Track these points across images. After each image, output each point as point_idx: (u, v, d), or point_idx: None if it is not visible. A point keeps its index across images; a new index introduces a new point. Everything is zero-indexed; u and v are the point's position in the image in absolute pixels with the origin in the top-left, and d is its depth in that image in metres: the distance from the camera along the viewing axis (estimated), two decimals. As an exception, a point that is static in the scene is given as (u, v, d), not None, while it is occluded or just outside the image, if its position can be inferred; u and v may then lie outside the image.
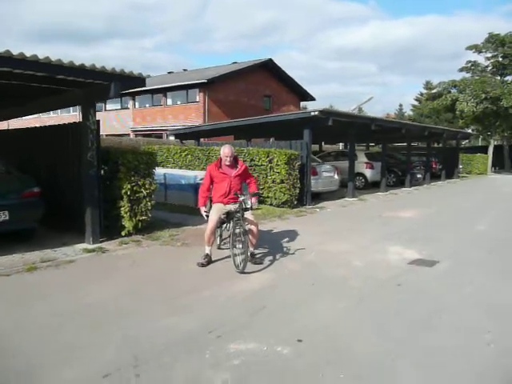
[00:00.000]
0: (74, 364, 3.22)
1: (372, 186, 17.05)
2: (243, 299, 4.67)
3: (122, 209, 7.25)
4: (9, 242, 6.51)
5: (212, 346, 3.49)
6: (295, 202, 11.29)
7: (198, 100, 25.46)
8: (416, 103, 71.72)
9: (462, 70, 33.02)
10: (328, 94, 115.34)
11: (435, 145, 28.08)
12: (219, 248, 6.83)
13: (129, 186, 7.19)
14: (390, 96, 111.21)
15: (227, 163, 6.11)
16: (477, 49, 31.98)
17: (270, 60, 28.46)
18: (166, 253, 6.72)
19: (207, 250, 6.02)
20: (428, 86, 70.27)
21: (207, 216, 6.12)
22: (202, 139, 16.00)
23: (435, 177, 22.19)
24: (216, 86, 25.06)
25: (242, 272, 5.56)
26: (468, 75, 32.39)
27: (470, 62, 32.33)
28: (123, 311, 4.31)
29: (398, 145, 24.91)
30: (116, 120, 29.14)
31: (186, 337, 3.69)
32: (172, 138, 25.21)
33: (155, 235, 7.64)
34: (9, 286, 5.02)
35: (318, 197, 13.06)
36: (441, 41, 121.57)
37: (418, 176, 19.56)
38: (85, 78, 6.03)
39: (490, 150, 31.55)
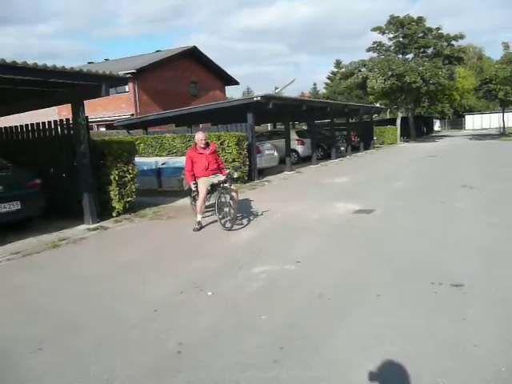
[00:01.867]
0: (151, 290, 4.56)
1: (303, 161, 19.05)
2: (243, 246, 6.19)
3: (112, 192, 8.33)
4: (13, 230, 7.34)
5: (240, 272, 4.98)
6: (246, 178, 12.85)
7: (127, 90, 25.76)
8: (328, 81, 76.24)
9: (369, 50, 36.26)
10: (241, 75, 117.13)
11: (352, 120, 31.00)
12: (194, 210, 8.16)
13: (116, 172, 8.29)
14: (302, 75, 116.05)
15: (202, 145, 7.55)
16: (381, 30, 35.34)
17: (195, 47, 29.37)
18: (159, 225, 7.99)
19: (199, 217, 7.38)
20: (339, 65, 74.99)
21: (196, 187, 7.48)
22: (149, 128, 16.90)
23: (355, 148, 24.89)
24: (145, 76, 25.54)
25: (230, 230, 7.04)
26: (375, 55, 35.75)
27: (375, 42, 35.62)
28: (155, 263, 5.64)
29: (320, 122, 27.32)
30: (44, 114, 28.35)
31: (216, 271, 5.11)
32: (103, 129, 25.49)
33: (141, 213, 8.82)
34: (50, 258, 6.08)
35: (261, 173, 14.71)
36: (345, 19, 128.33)
37: (342, 149, 22.02)
38: (77, 80, 7.01)
39: (398, 121, 35.29)
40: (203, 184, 7.41)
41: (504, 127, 40.22)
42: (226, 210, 7.23)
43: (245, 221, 7.73)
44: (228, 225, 7.12)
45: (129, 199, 8.66)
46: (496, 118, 62.81)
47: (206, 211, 8.01)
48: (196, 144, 7.61)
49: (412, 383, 2.66)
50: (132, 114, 25.05)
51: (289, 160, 15.75)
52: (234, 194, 7.35)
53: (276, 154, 15.35)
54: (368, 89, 32.01)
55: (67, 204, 8.25)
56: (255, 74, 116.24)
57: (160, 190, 11.73)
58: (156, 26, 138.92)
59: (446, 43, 33.37)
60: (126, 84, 7.89)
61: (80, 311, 4.11)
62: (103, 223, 8.03)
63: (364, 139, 25.65)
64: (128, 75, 7.56)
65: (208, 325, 3.66)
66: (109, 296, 4.47)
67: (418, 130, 42.35)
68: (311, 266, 5.10)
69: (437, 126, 66.51)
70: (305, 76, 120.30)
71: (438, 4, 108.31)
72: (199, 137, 7.61)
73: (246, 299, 4.17)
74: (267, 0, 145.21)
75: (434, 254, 5.25)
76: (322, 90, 78.08)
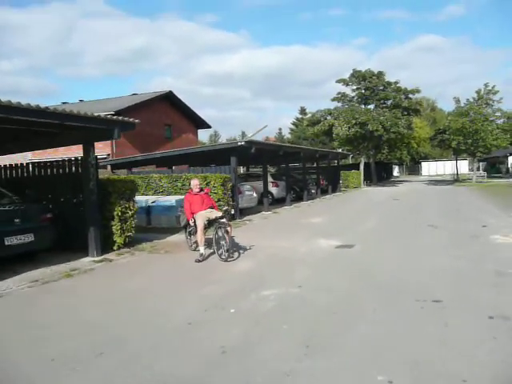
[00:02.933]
0: (177, 309, 5.21)
1: (277, 202, 20.06)
2: (245, 274, 6.94)
3: (114, 227, 8.92)
4: (19, 261, 7.75)
5: (251, 294, 5.71)
6: (229, 217, 13.62)
7: (104, 131, 26.29)
8: (293, 127, 79.51)
9: (334, 99, 38.81)
10: (207, 118, 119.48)
11: (320, 164, 32.67)
12: (194, 250, 8.87)
13: (119, 208, 8.93)
14: (266, 120, 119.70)
15: (196, 190, 8.47)
16: (344, 82, 38.05)
17: (170, 92, 30.57)
18: (159, 258, 8.60)
19: (201, 249, 8.10)
20: (303, 111, 78.62)
21: (194, 224, 8.25)
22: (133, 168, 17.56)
23: (323, 191, 26.26)
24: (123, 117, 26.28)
25: (227, 261, 7.77)
26: (339, 104, 38.24)
27: (340, 93, 38.25)
28: (167, 289, 6.30)
29: (291, 165, 28.74)
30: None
31: (228, 294, 5.83)
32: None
33: (139, 247, 9.41)
34: (67, 285, 6.59)
35: (242, 212, 15.54)
36: (306, 69, 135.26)
37: (312, 191, 23.29)
38: (94, 125, 7.77)
39: (361, 167, 37.38)
40: (201, 218, 8.20)
41: (457, 174, 43.23)
42: (222, 242, 8.00)
43: (237, 254, 8.45)
44: (224, 256, 7.85)
45: (129, 234, 9.25)
46: (449, 165, 67.23)
47: (193, 246, 8.78)
48: (191, 189, 8.55)
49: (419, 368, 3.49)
50: (108, 154, 25.52)
51: (266, 201, 16.72)
52: (228, 228, 8.14)
53: (255, 194, 16.31)
54: (334, 135, 33.99)
55: (70, 238, 8.74)
56: (221, 118, 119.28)
57: (149, 227, 12.32)
58: (121, 67, 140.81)
59: (404, 96, 36.21)
60: (134, 129, 8.58)
61: (122, 325, 4.72)
62: (106, 256, 8.56)
63: (332, 183, 27.14)
64: (131, 119, 8.32)
65: (239, 333, 4.37)
66: (142, 313, 5.10)
67: (378, 174, 44.78)
68: (312, 289, 5.91)
69: (396, 171, 70.03)
70: (268, 121, 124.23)
71: (393, 59, 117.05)
72: (194, 183, 8.65)
73: (264, 314, 4.91)
74: (231, 47, 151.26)
75: (414, 279, 6.20)
76: (287, 135, 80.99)
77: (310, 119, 37.87)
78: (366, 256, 8.05)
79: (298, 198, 21.85)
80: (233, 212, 13.21)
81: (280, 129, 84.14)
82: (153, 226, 12.26)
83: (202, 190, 8.75)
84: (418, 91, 36.66)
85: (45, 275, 7.10)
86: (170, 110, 31.32)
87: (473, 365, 3.48)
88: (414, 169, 76.85)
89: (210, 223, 8.40)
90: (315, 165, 25.69)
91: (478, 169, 43.24)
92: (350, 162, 51.40)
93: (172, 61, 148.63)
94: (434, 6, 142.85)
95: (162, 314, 5.09)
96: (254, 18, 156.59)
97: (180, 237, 10.93)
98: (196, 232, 8.73)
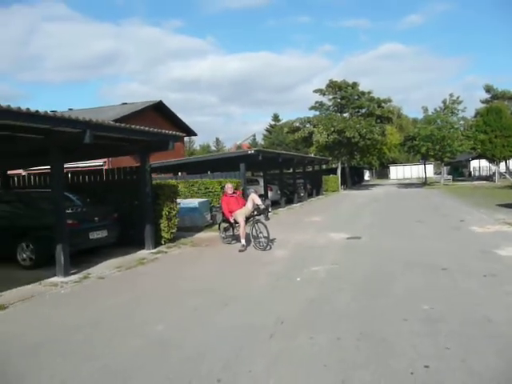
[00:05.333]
0: (253, 281, 6.94)
1: (271, 205, 21.89)
2: (287, 258, 8.72)
3: (162, 225, 10.52)
4: (92, 254, 9.22)
5: (304, 269, 7.49)
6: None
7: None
8: (267, 133, 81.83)
9: (311, 108, 41.23)
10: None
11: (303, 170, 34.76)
12: (228, 244, 10.57)
13: (167, 209, 10.54)
14: (233, 125, 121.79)
15: (230, 192, 10.23)
16: (321, 92, 40.45)
17: (161, 101, 32.00)
18: (204, 250, 10.25)
19: (243, 241, 9.82)
20: (276, 118, 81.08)
21: (235, 221, 9.98)
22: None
23: (309, 195, 28.32)
24: (118, 126, 27.52)
25: (265, 250, 9.51)
26: (317, 112, 40.62)
27: (317, 102, 40.66)
28: (234, 269, 8.02)
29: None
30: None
31: (286, 270, 7.58)
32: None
33: (180, 242, 11.03)
34: (147, 270, 8.18)
35: (246, 213, 17.28)
36: (274, 75, 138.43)
37: (302, 194, 25.27)
38: (155, 138, 9.38)
39: (339, 171, 39.79)
40: (241, 215, 9.94)
41: (426, 177, 46.43)
42: (261, 235, 9.75)
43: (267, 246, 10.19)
44: (263, 246, 9.60)
45: (173, 231, 10.87)
46: (416, 169, 71.20)
47: (227, 240, 10.53)
48: (226, 192, 10.33)
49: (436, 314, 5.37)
50: (105, 162, 26.70)
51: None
52: (266, 222, 9.91)
53: (257, 197, 18.05)
54: (314, 142, 36.21)
55: (126, 234, 10.22)
56: (189, 124, 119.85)
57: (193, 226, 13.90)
58: (85, 73, 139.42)
59: (376, 105, 38.90)
60: (180, 140, 10.26)
61: (228, 287, 6.42)
62: (159, 249, 10.14)
63: (316, 186, 29.25)
64: (180, 134, 10.01)
65: (313, 290, 6.15)
66: (230, 281, 6.82)
67: (352, 179, 47.46)
68: (347, 265, 7.77)
69: (367, 175, 73.26)
70: (236, 126, 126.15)
71: (357, 65, 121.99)
72: (229, 186, 10.63)
73: (323, 280, 6.72)
74: (198, 53, 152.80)
75: (422, 257, 8.15)
76: (260, 141, 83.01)
77: (290, 126, 39.96)
78: (375, 244, 9.97)
79: (289, 201, 23.74)
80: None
81: (254, 135, 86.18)
82: (178, 226, 13.79)
83: (234, 192, 10.48)
84: (390, 100, 39.55)
85: (122, 263, 8.64)
86: (160, 119, 32.63)
87: (477, 299, 5.40)
88: (382, 173, 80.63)
89: (248, 219, 10.14)
90: (302, 170, 27.68)
91: (444, 173, 46.54)
92: (324, 168, 54.06)
93: (138, 67, 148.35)
94: (396, 15, 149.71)
95: (245, 282, 6.82)
96: (220, 24, 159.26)
97: (207, 234, 12.64)
98: (229, 229, 10.56)
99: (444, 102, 38.54)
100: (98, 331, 4.87)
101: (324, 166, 37.42)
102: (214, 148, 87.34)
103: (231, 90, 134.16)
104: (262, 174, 30.55)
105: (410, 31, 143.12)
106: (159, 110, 32.36)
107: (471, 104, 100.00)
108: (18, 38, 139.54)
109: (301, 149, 51.55)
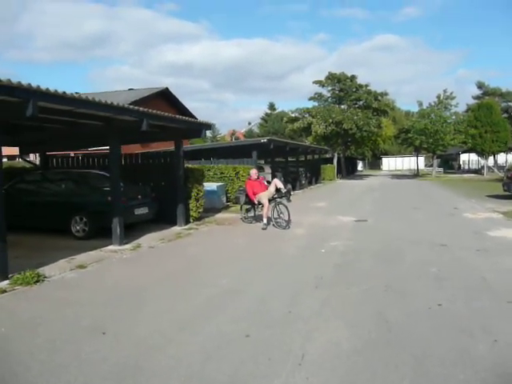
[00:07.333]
0: (286, 249, 8.22)
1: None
2: (306, 235, 10.01)
3: (191, 204, 11.72)
4: (131, 229, 10.39)
5: (324, 244, 8.78)
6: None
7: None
8: (262, 122, 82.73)
9: (310, 99, 42.35)
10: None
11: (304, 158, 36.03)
12: (250, 223, 11.82)
13: (195, 190, 11.74)
14: (226, 112, 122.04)
15: (255, 177, 11.42)
16: (321, 83, 41.56)
17: (167, 89, 32.93)
18: (229, 227, 11.49)
19: (265, 220, 11.06)
20: (272, 107, 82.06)
21: (259, 203, 11.23)
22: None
23: (308, 182, 29.63)
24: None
25: (284, 229, 10.79)
26: (315, 103, 41.78)
27: (316, 93, 41.79)
28: (262, 242, 9.30)
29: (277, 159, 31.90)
30: None
31: (309, 244, 8.88)
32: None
33: (206, 221, 12.25)
34: (186, 242, 9.43)
35: (255, 198, 18.53)
36: (268, 62, 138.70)
37: (303, 182, 26.58)
38: (191, 127, 10.54)
39: (335, 161, 41.17)
40: (265, 197, 11.19)
41: (418, 169, 48.06)
42: (282, 215, 11.02)
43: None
44: (283, 225, 10.88)
45: (200, 210, 12.08)
46: (407, 161, 72.93)
47: (248, 220, 11.79)
48: (250, 176, 11.53)
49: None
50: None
51: (273, 189, 19.77)
52: (287, 204, 11.18)
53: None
54: (313, 132, 37.43)
55: (167, 212, 11.28)
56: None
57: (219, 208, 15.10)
58: (74, 54, 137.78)
59: (373, 98, 40.15)
60: (210, 129, 11.45)
61: (261, 256, 7.70)
62: (189, 226, 11.36)
63: (315, 175, 30.57)
64: (212, 122, 11.16)
65: (337, 259, 7.45)
66: (262, 251, 8.11)
67: (347, 169, 48.88)
68: (361, 241, 9.08)
69: (360, 166, 74.79)
70: (229, 113, 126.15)
71: (351, 56, 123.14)
72: (253, 171, 11.71)
73: (343, 252, 8.01)
74: (192, 37, 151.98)
75: (424, 236, 9.49)
76: (255, 129, 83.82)
77: (289, 117, 41.09)
78: (380, 226, 11.30)
79: (292, 188, 25.03)
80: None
81: (249, 123, 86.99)
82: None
83: (258, 177, 11.68)
84: (386, 94, 40.83)
85: (163, 237, 9.85)
86: (165, 107, 33.38)
87: (473, 265, 6.74)
88: (375, 164, 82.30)
89: (270, 201, 11.39)
90: (304, 159, 28.95)
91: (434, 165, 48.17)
92: (320, 157, 55.47)
93: (129, 49, 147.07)
94: (392, 6, 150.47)
95: (278, 252, 8.11)
96: (215, 9, 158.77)
97: (226, 215, 13.87)
98: (250, 210, 11.83)
99: (438, 96, 40.02)
100: (176, 283, 6.13)
101: (317, 156, 38.74)
102: (209, 135, 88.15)
103: (224, 77, 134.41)
104: (263, 161, 31.87)
105: (405, 23, 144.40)
106: (165, 96, 33.25)
107: (462, 98, 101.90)
108: (6, 15, 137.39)
109: (295, 138, 52.87)
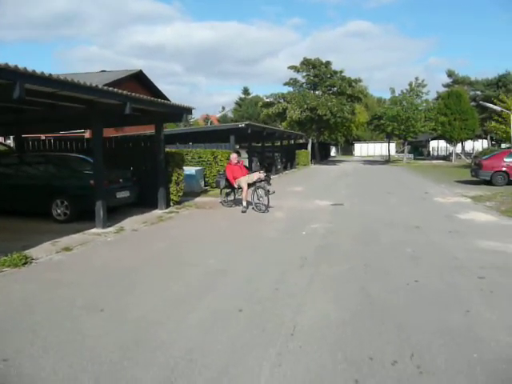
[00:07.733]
0: (267, 232, 8.47)
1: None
2: (286, 218, 10.29)
3: (171, 188, 11.80)
4: (112, 212, 10.42)
5: (305, 227, 9.08)
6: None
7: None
8: (237, 106, 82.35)
9: (285, 84, 42.54)
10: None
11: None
12: (229, 207, 12.03)
13: (176, 174, 11.81)
14: (198, 96, 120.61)
15: (235, 161, 11.62)
16: (296, 69, 41.72)
17: (140, 71, 32.37)
18: (209, 211, 11.65)
19: (245, 203, 11.29)
20: (246, 91, 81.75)
21: (239, 187, 11.43)
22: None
23: (283, 168, 29.96)
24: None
25: (264, 212, 11.04)
26: (290, 88, 41.97)
27: (292, 78, 41.97)
28: (243, 225, 9.53)
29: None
30: None
31: (289, 227, 9.16)
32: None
33: (186, 205, 12.36)
34: (169, 225, 9.56)
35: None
36: (241, 46, 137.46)
37: (278, 167, 26.86)
38: (173, 111, 10.57)
39: (309, 147, 41.67)
40: (245, 181, 11.39)
41: (389, 155, 49.17)
42: (261, 199, 11.26)
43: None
44: (263, 208, 11.13)
45: (180, 194, 12.18)
46: (379, 147, 74.34)
47: (228, 204, 12.00)
48: (231, 161, 11.70)
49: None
50: (83, 132, 27.16)
51: (250, 173, 19.98)
52: (267, 187, 11.42)
53: (242, 168, 19.48)
54: (288, 118, 37.72)
55: (148, 196, 11.31)
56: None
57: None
58: (40, 32, 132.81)
59: (347, 84, 40.68)
60: (191, 113, 11.47)
61: (246, 237, 7.93)
62: (170, 209, 11.45)
63: (290, 160, 30.92)
64: (192, 106, 11.17)
65: (319, 240, 7.75)
66: (241, 233, 8.33)
67: (321, 154, 49.51)
68: (339, 223, 9.43)
69: (333, 151, 75.75)
70: (201, 97, 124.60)
71: (325, 42, 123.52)
72: (233, 156, 11.91)
73: (324, 234, 8.33)
74: (163, 18, 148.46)
75: (398, 219, 9.92)
76: (229, 114, 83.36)
77: (264, 102, 41.20)
78: (356, 209, 11.70)
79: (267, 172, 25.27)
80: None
81: (223, 107, 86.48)
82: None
83: (238, 162, 11.86)
84: (360, 80, 41.43)
85: (145, 220, 9.95)
86: (139, 89, 32.69)
87: (446, 245, 7.17)
88: (347, 149, 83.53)
89: (250, 185, 11.59)
90: (279, 144, 29.22)
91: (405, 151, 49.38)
92: (295, 143, 55.98)
93: (98, 29, 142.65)
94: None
95: (259, 235, 8.34)
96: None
97: (205, 199, 14.01)
98: (230, 194, 12.01)
99: (410, 84, 40.84)
100: (165, 264, 6.29)
101: (292, 142, 39.14)
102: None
103: (197, 60, 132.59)
104: (238, 146, 31.96)
105: (378, 9, 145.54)
106: (138, 79, 32.69)
107: (433, 86, 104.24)
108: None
109: (269, 123, 53.12)
